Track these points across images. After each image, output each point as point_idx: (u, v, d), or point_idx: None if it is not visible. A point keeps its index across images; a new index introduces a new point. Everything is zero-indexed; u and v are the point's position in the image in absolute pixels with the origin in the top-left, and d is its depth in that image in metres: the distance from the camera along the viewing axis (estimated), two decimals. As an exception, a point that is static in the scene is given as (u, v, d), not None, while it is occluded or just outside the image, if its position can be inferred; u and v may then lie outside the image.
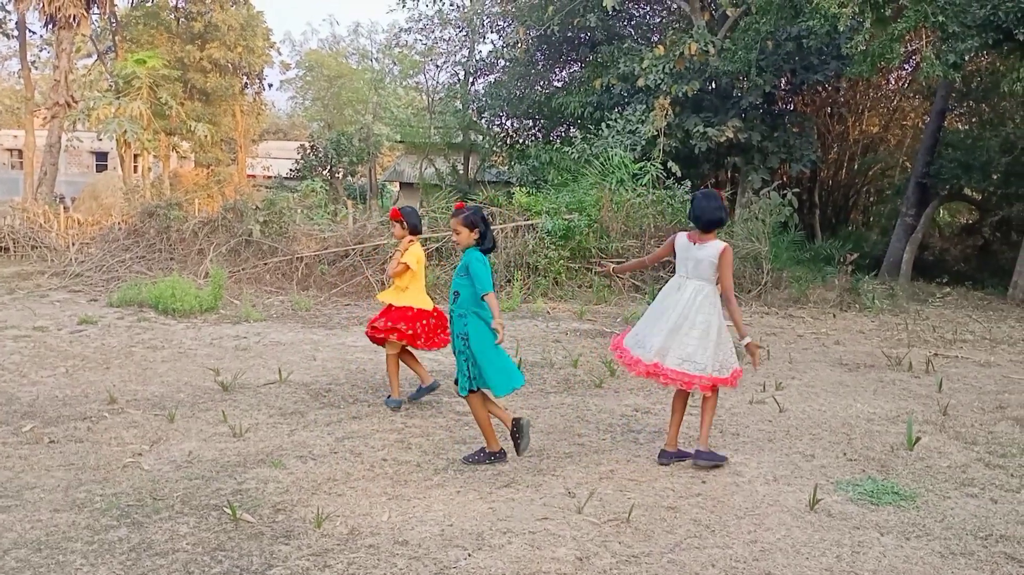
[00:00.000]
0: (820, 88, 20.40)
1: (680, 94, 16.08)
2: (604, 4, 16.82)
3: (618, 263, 5.13)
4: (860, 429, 5.88)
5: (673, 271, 5.08)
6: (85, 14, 25.74)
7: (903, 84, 22.45)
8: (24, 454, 5.03)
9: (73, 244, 14.85)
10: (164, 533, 3.88)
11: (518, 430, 4.87)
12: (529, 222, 13.18)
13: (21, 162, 35.21)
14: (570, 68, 22.26)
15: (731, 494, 4.52)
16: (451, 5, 24.62)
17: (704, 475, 4.81)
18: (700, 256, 4.83)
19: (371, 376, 7.35)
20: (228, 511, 4.09)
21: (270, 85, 48.40)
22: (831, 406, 6.56)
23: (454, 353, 5.00)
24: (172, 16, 34.35)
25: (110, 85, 30.48)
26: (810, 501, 4.33)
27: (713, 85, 17.56)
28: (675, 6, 19.60)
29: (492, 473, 4.78)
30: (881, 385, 7.38)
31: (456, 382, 4.97)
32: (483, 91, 23.04)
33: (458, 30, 25.99)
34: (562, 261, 12.83)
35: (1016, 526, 4.16)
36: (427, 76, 32.10)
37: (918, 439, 5.45)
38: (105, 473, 4.71)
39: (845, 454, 5.29)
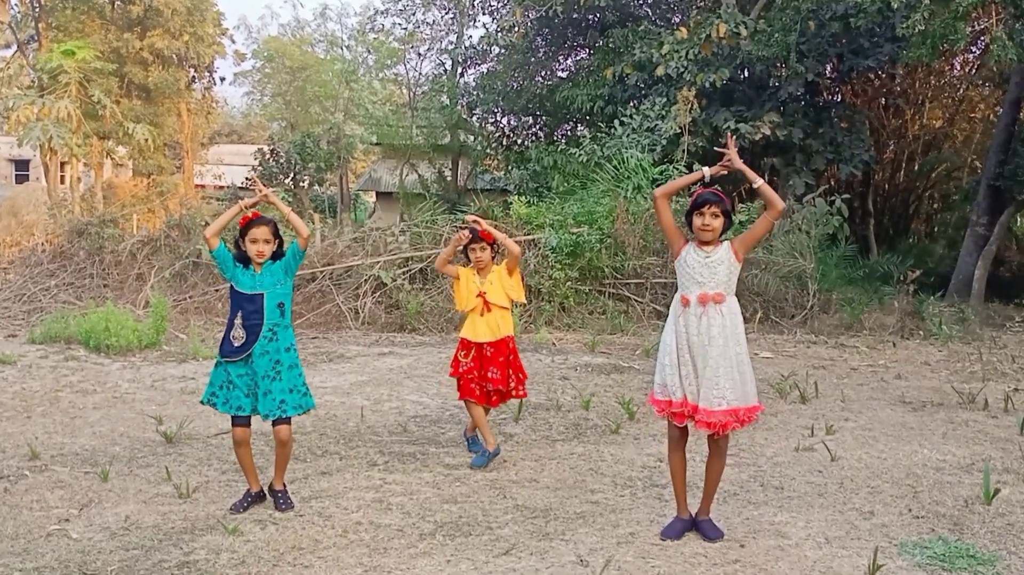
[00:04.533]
0: (872, 76, 20.56)
1: (707, 84, 16.19)
2: (616, -20, 17.00)
3: None
4: (927, 480, 5.86)
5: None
6: (3, -2, 25.99)
7: (970, 70, 22.62)
8: (-72, 521, 5.00)
9: (-12, 269, 14.87)
10: (96, 615, 3.85)
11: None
12: (530, 237, 13.23)
13: (-74, 173, 35.36)
14: (577, 56, 22.43)
15: (775, 560, 4.50)
16: (436, -18, 24.90)
17: (743, 538, 4.79)
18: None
19: (342, 423, 7.33)
20: (173, 587, 4.06)
21: (222, 79, 48.89)
22: (892, 453, 6.54)
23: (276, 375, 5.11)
24: (106, -1, 34.64)
25: (32, 81, 30.67)
26: (870, 568, 4.30)
27: (746, 73, 17.70)
28: (699, -19, 19.81)
29: (489, 538, 4.76)
30: (951, 427, 7.36)
31: None
32: (474, 83, 23.20)
33: (444, 12, 26.22)
34: (570, 283, 12.86)
35: (1117, 595, 4.14)
36: (408, 67, 32.34)
37: (997, 491, 5.43)
38: (25, 543, 4.68)
39: (910, 510, 5.27)
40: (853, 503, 5.40)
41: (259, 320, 5.02)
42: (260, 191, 5.24)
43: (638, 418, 7.48)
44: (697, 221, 4.71)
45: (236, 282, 5.08)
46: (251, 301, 5.03)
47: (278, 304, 5.10)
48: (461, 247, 6.17)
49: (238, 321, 5.03)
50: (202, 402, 5.23)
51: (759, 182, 4.82)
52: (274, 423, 5.10)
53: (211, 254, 5.18)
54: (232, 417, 5.13)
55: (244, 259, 5.10)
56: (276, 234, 5.11)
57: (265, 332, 5.03)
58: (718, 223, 4.68)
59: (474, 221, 6.25)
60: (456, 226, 13.94)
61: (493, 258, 6.23)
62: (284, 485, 5.29)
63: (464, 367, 6.16)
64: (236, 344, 5.03)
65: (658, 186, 14.01)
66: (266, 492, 5.31)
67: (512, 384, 6.24)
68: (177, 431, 6.82)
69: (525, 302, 6.41)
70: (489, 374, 6.13)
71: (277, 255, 5.14)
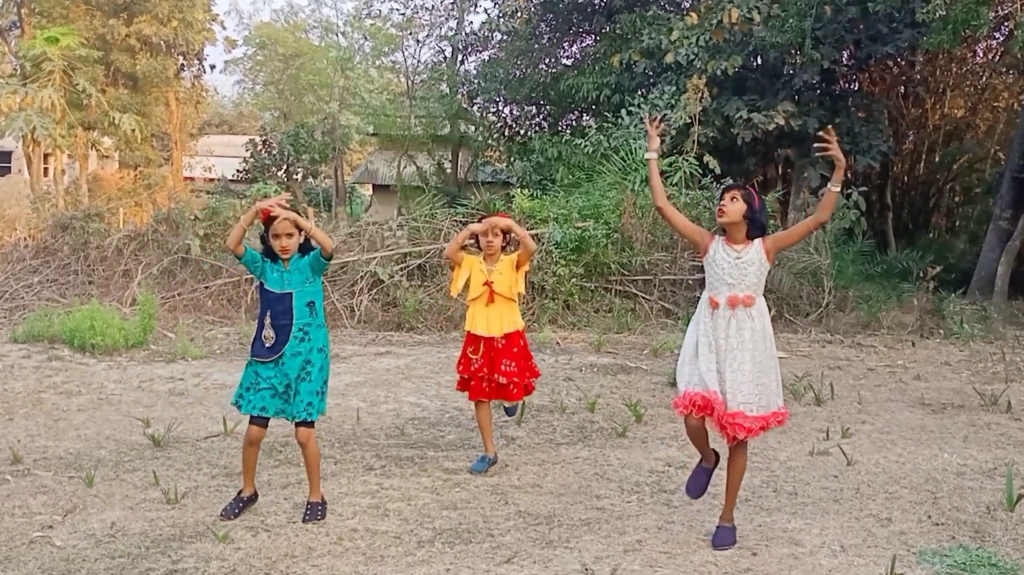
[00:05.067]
0: (891, 63, 20.53)
1: (718, 72, 16.17)
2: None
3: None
4: (948, 485, 5.87)
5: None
6: (-17, -17, 26.00)
7: (993, 57, 22.58)
8: (-94, 528, 5.01)
9: (-33, 266, 14.88)
10: (80, 625, 3.86)
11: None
12: (534, 232, 13.21)
13: (-96, 165, 35.42)
14: (582, 42, 22.41)
15: (788, 568, 4.50)
16: (435, -34, 24.88)
17: (755, 545, 4.79)
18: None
19: (337, 426, 7.34)
20: (160, 597, 4.07)
21: (212, 67, 48.88)
22: (911, 457, 6.54)
23: (303, 376, 5.09)
24: (91, -16, 34.62)
25: (14, 69, 30.71)
26: (887, 576, 4.31)
27: (759, 61, 17.69)
28: (710, -36, 19.77)
29: (490, 546, 4.76)
30: (973, 430, 7.36)
31: None
32: (475, 71, 23.18)
33: (444, -4, 26.21)
34: (574, 280, 12.86)
35: None
36: (406, 54, 32.33)
37: (1020, 497, 5.43)
38: (7, 551, 4.69)
39: (930, 517, 5.27)
40: (870, 509, 5.40)
41: (288, 320, 5.03)
42: (282, 206, 5.09)
43: (646, 421, 7.48)
44: (718, 209, 4.77)
45: (265, 280, 5.10)
46: (280, 300, 5.05)
47: (308, 303, 5.10)
48: (472, 239, 6.19)
49: (267, 321, 5.06)
50: (232, 403, 5.26)
51: (837, 187, 4.74)
52: (297, 425, 5.10)
53: (240, 261, 5.23)
54: (252, 416, 5.11)
55: (272, 253, 5.11)
56: (299, 226, 5.11)
57: (296, 332, 5.04)
58: (735, 207, 4.68)
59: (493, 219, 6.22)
60: (457, 220, 13.95)
61: (504, 247, 6.19)
62: (321, 496, 5.24)
63: (475, 365, 6.08)
64: (267, 345, 5.04)
65: (665, 177, 14.07)
66: (258, 495, 5.32)
67: (517, 380, 6.13)
68: (165, 434, 6.82)
69: (523, 293, 6.37)
70: (503, 367, 6.04)
71: (305, 248, 5.15)
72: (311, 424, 5.10)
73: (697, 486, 4.97)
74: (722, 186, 4.94)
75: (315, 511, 5.14)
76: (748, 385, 4.59)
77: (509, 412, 6.66)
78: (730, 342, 4.62)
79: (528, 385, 6.30)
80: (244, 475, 5.29)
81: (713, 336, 4.67)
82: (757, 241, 4.73)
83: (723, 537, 4.82)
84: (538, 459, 6.43)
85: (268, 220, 5.05)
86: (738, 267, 4.67)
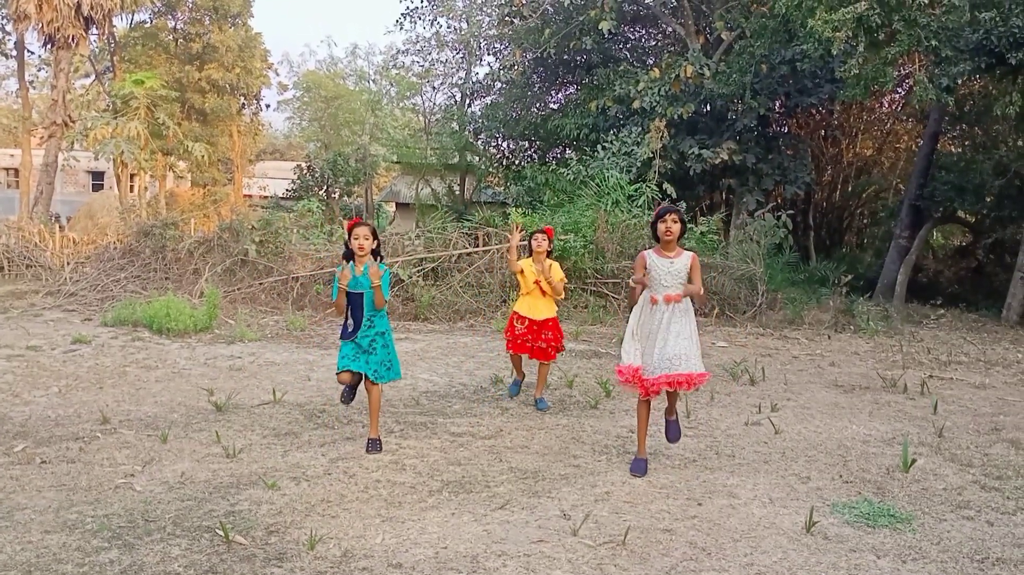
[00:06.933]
0: (814, 111, 20.56)
1: (675, 116, 16.19)
2: (600, 27, 16.96)
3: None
4: (856, 451, 5.87)
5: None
6: (84, 35, 25.92)
7: (896, 107, 22.64)
8: (15, 474, 4.99)
9: (68, 263, 14.83)
10: (156, 555, 3.85)
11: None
12: (525, 243, 13.17)
13: (17, 181, 35.22)
14: (566, 90, 22.39)
15: (727, 516, 4.50)
16: (448, 27, 24.82)
17: (700, 497, 4.79)
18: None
19: (364, 396, 7.28)
20: (221, 533, 4.06)
21: (267, 106, 48.66)
22: (827, 428, 6.55)
23: (371, 350, 5.51)
24: (171, 37, 34.61)
25: (108, 105, 30.60)
26: (806, 523, 4.31)
27: (708, 108, 17.68)
28: (670, 30, 19.77)
29: (487, 495, 4.76)
30: (876, 407, 7.37)
31: None
32: (480, 113, 23.15)
33: (455, 52, 26.18)
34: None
35: (1012, 549, 4.15)
36: (424, 98, 32.35)
37: (914, 461, 5.44)
38: (97, 494, 4.68)
39: (841, 476, 5.28)
40: (793, 469, 5.41)
41: (361, 313, 5.47)
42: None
43: (614, 396, 7.48)
44: (661, 227, 5.13)
45: (348, 285, 5.50)
46: (356, 299, 5.48)
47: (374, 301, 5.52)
48: (525, 241, 6.97)
49: (348, 313, 5.52)
50: (337, 371, 5.66)
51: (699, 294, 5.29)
52: (366, 379, 5.51)
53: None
54: (340, 371, 5.57)
55: (351, 254, 5.47)
56: (374, 235, 5.51)
57: (365, 321, 5.49)
58: (677, 228, 5.13)
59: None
60: (464, 232, 13.94)
61: (549, 251, 6.86)
62: (378, 436, 5.66)
63: (519, 331, 6.84)
64: (349, 330, 5.53)
65: (631, 200, 14.07)
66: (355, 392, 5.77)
67: (554, 345, 6.86)
68: (226, 401, 6.81)
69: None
70: (543, 336, 6.79)
71: (377, 254, 5.52)
72: (378, 385, 5.54)
73: (639, 468, 5.23)
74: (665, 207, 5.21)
75: (373, 445, 5.57)
76: (680, 355, 5.02)
77: (540, 406, 6.94)
78: (664, 326, 5.07)
79: (560, 347, 6.95)
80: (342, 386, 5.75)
81: (649, 326, 5.10)
82: (688, 254, 5.15)
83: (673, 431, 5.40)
84: (527, 426, 6.43)
85: (351, 228, 5.49)
86: (671, 274, 5.09)
